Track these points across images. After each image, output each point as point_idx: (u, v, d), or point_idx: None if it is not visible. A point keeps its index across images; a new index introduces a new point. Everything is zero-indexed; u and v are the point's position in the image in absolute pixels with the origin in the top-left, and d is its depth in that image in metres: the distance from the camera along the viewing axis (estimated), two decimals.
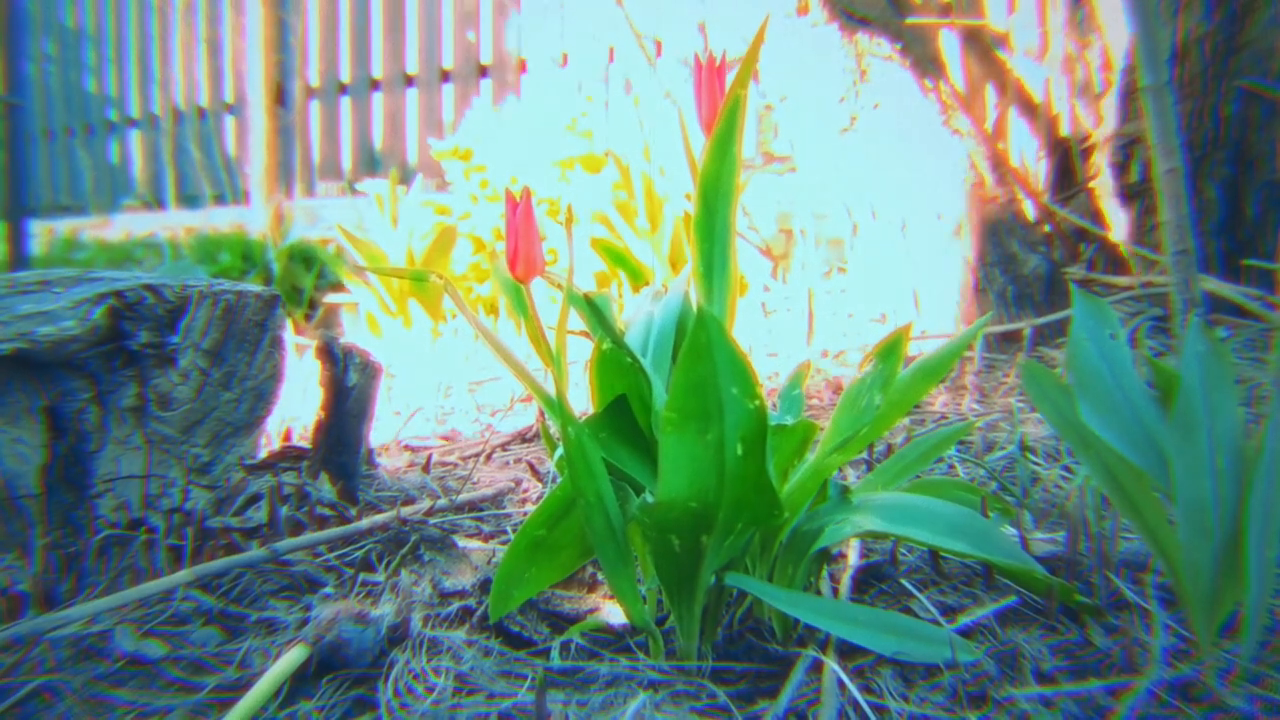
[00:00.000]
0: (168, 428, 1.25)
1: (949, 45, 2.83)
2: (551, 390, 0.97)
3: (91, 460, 1.20)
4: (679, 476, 0.89)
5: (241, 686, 0.93)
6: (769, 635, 1.03)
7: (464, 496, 1.49)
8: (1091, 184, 2.38)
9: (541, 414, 1.86)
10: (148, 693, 0.94)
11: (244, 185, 5.90)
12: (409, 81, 5.39)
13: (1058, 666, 0.93)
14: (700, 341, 0.83)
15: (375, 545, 1.27)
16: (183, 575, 1.13)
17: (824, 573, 1.14)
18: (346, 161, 5.61)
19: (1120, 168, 2.30)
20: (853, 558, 1.20)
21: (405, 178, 4.83)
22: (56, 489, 1.19)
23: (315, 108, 5.70)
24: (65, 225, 6.47)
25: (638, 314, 1.14)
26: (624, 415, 1.02)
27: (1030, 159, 2.78)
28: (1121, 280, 2.30)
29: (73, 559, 1.16)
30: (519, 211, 0.96)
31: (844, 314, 2.69)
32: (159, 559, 1.18)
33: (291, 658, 0.94)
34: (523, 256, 0.96)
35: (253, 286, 1.35)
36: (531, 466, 1.64)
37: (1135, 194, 2.27)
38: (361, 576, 1.21)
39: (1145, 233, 2.24)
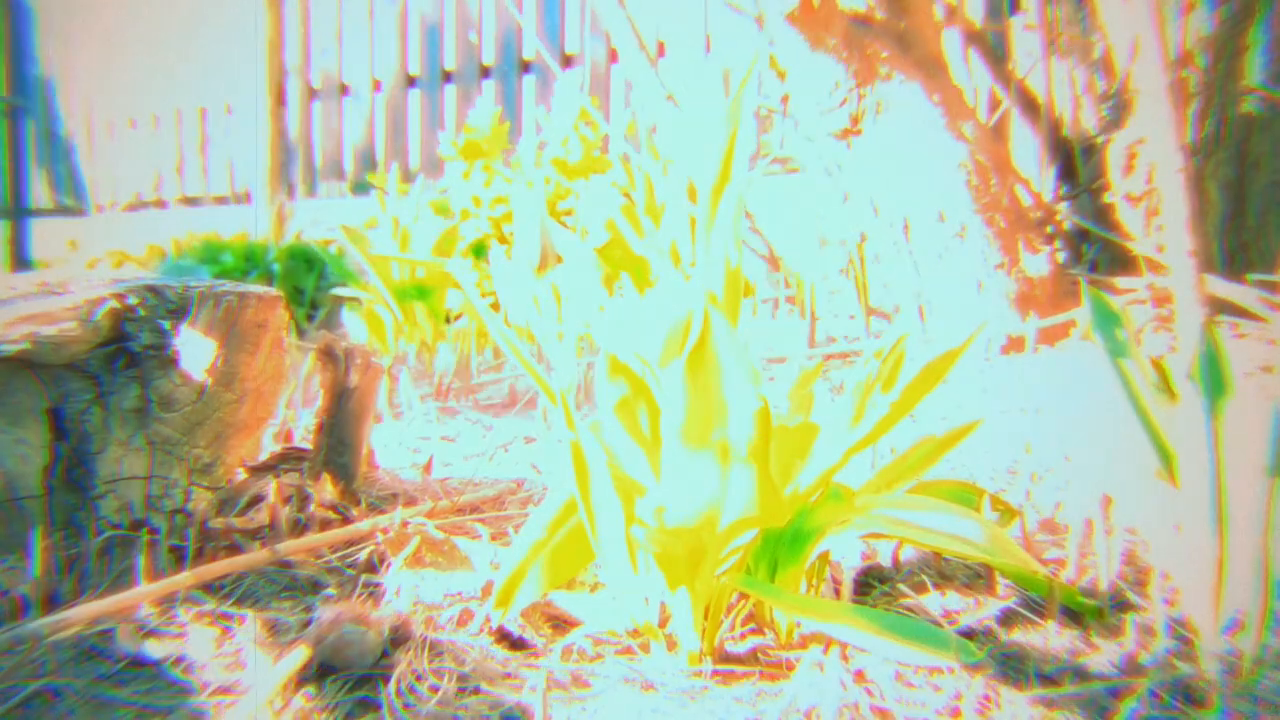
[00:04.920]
0: (170, 429, 1.25)
1: (951, 46, 2.83)
2: (557, 389, 0.97)
3: (94, 461, 1.20)
4: (683, 477, 0.89)
5: (244, 688, 0.93)
6: (771, 636, 1.03)
7: (466, 497, 1.49)
8: (1094, 185, 2.38)
9: (545, 414, 1.86)
10: (149, 694, 0.94)
11: (245, 186, 5.91)
12: (411, 82, 5.39)
13: (1060, 668, 0.93)
14: (706, 342, 0.83)
15: (377, 546, 1.27)
16: (184, 577, 1.13)
17: (826, 573, 1.14)
18: (348, 162, 5.61)
19: (1123, 169, 2.30)
20: (855, 559, 1.20)
21: (408, 178, 4.83)
22: (59, 490, 1.19)
23: (317, 108, 5.70)
24: (66, 226, 6.47)
25: (644, 316, 1.13)
26: (629, 416, 1.02)
27: (1033, 160, 2.77)
28: (1125, 281, 2.29)
29: (74, 560, 1.16)
30: (526, 208, 0.95)
31: (846, 315, 2.69)
32: (161, 560, 1.18)
33: (294, 659, 0.94)
34: (529, 254, 0.96)
35: (255, 287, 1.35)
36: (534, 467, 1.64)
37: (1138, 195, 2.27)
38: (363, 578, 1.21)
39: (1148, 234, 2.24)
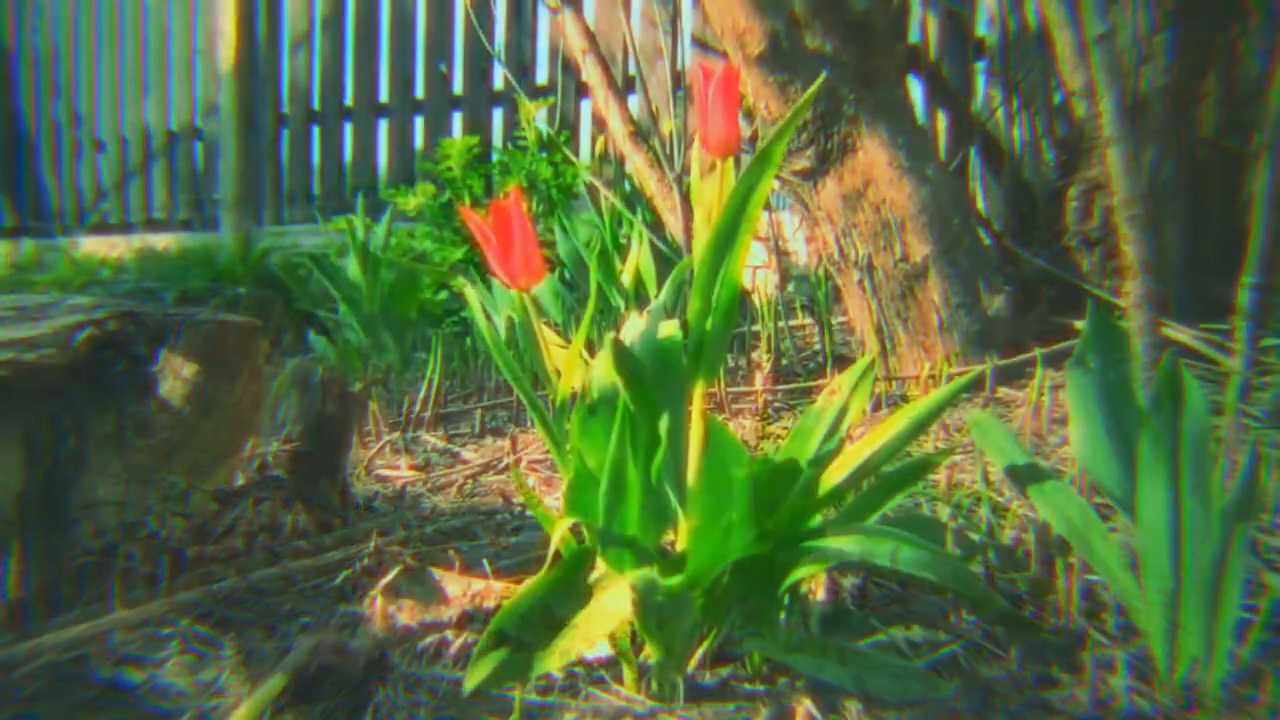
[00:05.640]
0: (146, 455, 1.25)
1: (915, 89, 2.90)
2: (550, 402, 0.98)
3: (69, 487, 1.20)
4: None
5: (220, 715, 0.93)
6: (743, 665, 1.05)
7: (449, 520, 1.49)
8: (1054, 227, 2.44)
9: (539, 424, 1.86)
10: None
11: (211, 211, 5.87)
12: (380, 111, 5.40)
13: (1025, 702, 0.96)
14: (703, 350, 0.86)
15: (353, 574, 1.27)
16: (158, 604, 1.13)
17: (798, 604, 1.16)
18: (316, 188, 5.59)
19: (1082, 213, 2.36)
20: (825, 588, 1.22)
21: (378, 206, 4.82)
22: (33, 515, 1.19)
23: (286, 135, 5.69)
24: (29, 245, 6.39)
25: (642, 325, 1.14)
26: (625, 422, 1.03)
27: (995, 201, 2.84)
28: (1082, 323, 2.35)
29: (48, 586, 1.15)
30: (513, 214, 0.94)
31: (840, 322, 2.74)
32: (135, 586, 1.18)
33: (270, 687, 0.95)
34: (520, 262, 0.96)
35: (234, 317, 1.36)
36: (521, 484, 1.65)
37: (1097, 239, 2.33)
38: (339, 606, 1.21)
39: (1107, 276, 2.30)
